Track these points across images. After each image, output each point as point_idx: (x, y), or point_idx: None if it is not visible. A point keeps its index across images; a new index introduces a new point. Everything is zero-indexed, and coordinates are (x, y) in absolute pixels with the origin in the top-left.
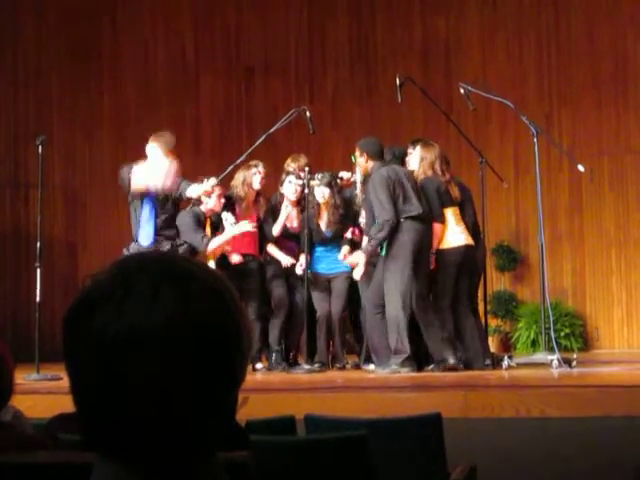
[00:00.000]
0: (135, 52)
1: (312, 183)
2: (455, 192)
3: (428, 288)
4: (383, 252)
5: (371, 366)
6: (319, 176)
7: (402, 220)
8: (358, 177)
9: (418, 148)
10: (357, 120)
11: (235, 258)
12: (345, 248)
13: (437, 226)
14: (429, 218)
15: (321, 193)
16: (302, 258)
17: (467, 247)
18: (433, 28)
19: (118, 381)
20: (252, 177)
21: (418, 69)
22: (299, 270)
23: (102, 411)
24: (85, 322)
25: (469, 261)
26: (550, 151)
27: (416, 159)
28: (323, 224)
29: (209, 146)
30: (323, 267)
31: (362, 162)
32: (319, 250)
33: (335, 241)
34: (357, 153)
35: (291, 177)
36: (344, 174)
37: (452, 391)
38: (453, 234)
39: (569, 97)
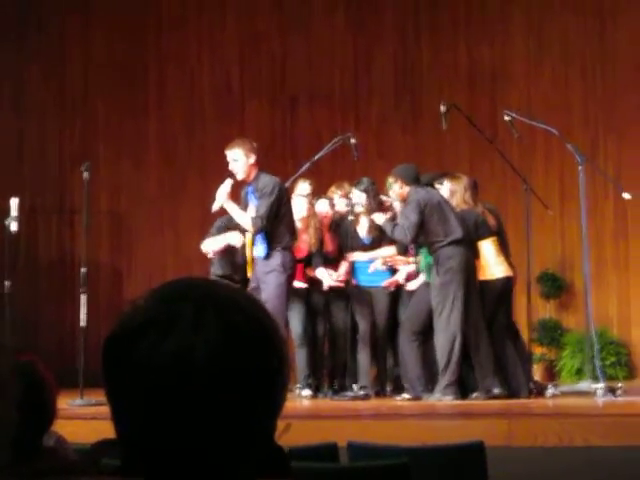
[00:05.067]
0: (181, 79)
1: (356, 210)
2: (491, 221)
3: (480, 314)
4: (428, 278)
5: (403, 395)
6: (363, 203)
7: (446, 245)
8: (397, 205)
9: (446, 182)
10: (402, 148)
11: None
12: (380, 260)
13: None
14: (472, 244)
15: (358, 199)
16: (342, 268)
17: (506, 279)
18: (478, 55)
19: (159, 409)
20: (293, 202)
21: (463, 96)
22: (330, 281)
23: (142, 438)
24: (128, 349)
25: (508, 292)
26: (595, 178)
27: (445, 194)
28: (362, 231)
29: None
30: (364, 279)
31: (397, 189)
32: (359, 259)
33: (374, 249)
34: (391, 180)
35: (323, 201)
36: (385, 198)
37: (495, 419)
38: (494, 265)
39: (615, 125)
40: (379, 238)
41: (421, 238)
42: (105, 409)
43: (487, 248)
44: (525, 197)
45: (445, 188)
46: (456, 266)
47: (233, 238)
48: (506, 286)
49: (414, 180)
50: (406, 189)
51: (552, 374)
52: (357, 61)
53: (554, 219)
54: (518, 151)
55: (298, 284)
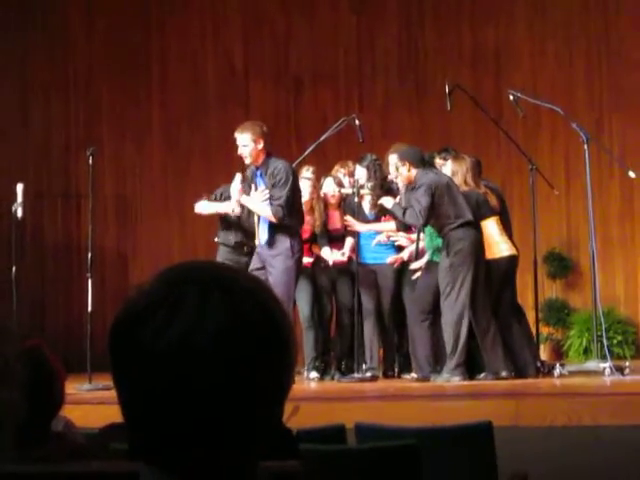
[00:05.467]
0: (184, 62)
1: (362, 192)
2: (493, 201)
3: (487, 297)
4: (435, 257)
5: (412, 374)
6: (369, 184)
7: (456, 227)
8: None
9: (449, 162)
10: (407, 128)
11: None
12: (384, 234)
13: None
14: (479, 225)
15: (359, 175)
16: (347, 244)
17: (511, 257)
18: (483, 35)
19: (166, 392)
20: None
21: (468, 77)
22: (336, 256)
23: (149, 423)
24: (133, 333)
25: (513, 271)
26: (601, 158)
27: (447, 174)
28: (366, 206)
29: None
30: (368, 256)
31: (404, 172)
32: (363, 236)
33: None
34: (398, 163)
35: (329, 180)
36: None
37: (503, 399)
38: (498, 244)
39: (620, 104)
40: (383, 213)
41: (432, 220)
42: (113, 394)
43: (490, 227)
44: (530, 177)
45: (447, 168)
46: (466, 248)
47: (224, 207)
48: (511, 265)
49: (421, 162)
50: (414, 172)
51: (559, 354)
52: (361, 42)
53: (560, 198)
54: (523, 131)
55: (304, 260)
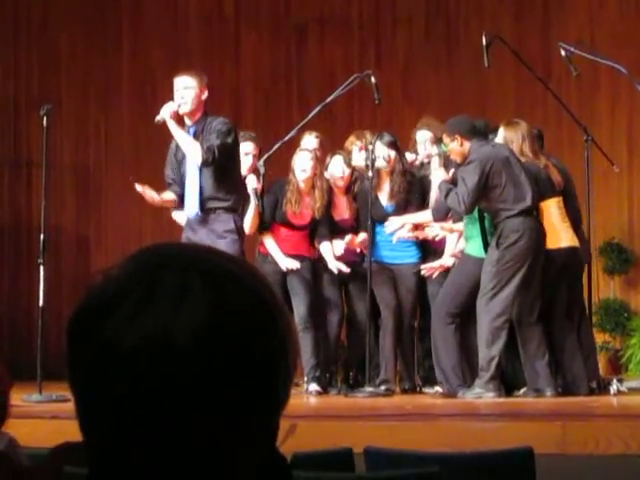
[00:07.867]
0: (161, 3)
1: (378, 165)
2: (557, 177)
3: (536, 300)
4: (475, 251)
5: (436, 388)
6: (385, 155)
7: (514, 216)
8: (435, 163)
9: (500, 130)
10: (434, 89)
11: (290, 263)
12: (407, 227)
13: None
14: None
15: (383, 155)
16: (360, 236)
17: (571, 249)
18: None
19: (133, 402)
20: (296, 157)
21: (509, 27)
22: (333, 264)
23: (114, 440)
24: (94, 330)
25: (572, 266)
26: None
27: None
28: (383, 196)
29: (252, 119)
30: (386, 254)
31: (456, 147)
32: (379, 231)
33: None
34: (446, 139)
35: (338, 158)
36: (408, 155)
37: (547, 421)
38: (557, 232)
39: None
40: (404, 202)
41: (483, 204)
42: (69, 406)
43: (551, 210)
44: (586, 150)
45: (499, 137)
46: (523, 242)
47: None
48: (570, 259)
49: (474, 132)
50: (467, 145)
51: (617, 366)
52: None
53: (621, 177)
54: (577, 94)
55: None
